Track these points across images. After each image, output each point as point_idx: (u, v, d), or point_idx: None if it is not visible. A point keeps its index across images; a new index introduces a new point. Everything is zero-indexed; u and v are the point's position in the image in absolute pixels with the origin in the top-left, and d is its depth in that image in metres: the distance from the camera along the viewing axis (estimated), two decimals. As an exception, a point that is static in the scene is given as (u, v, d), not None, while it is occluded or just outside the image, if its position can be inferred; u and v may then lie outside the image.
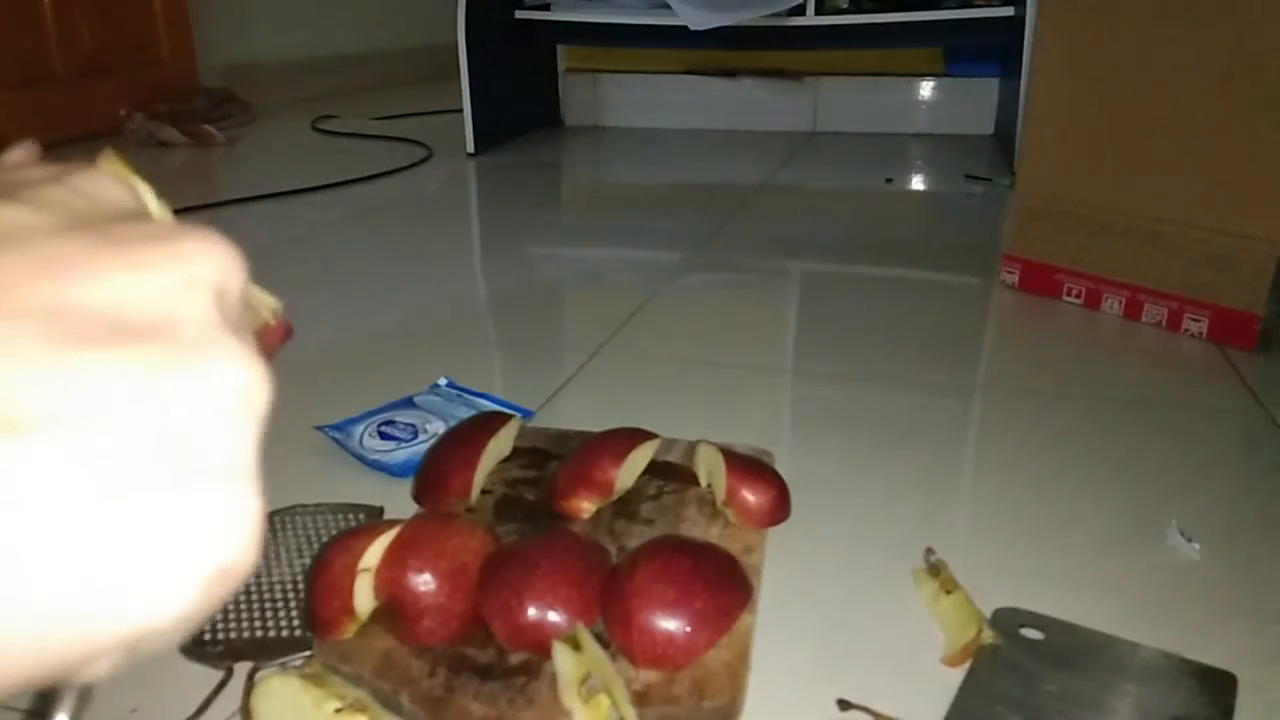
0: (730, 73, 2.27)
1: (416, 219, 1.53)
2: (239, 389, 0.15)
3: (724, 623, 0.48)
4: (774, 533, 0.60)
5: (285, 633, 0.52)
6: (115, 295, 0.15)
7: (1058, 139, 1.05)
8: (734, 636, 0.48)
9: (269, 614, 0.53)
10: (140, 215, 0.17)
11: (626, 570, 0.49)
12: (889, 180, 1.77)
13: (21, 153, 0.20)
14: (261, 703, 0.44)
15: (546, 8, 2.03)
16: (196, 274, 0.16)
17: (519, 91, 2.20)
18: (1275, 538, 0.63)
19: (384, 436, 0.72)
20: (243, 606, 0.54)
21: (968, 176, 1.75)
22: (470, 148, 1.94)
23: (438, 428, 0.73)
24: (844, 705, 0.48)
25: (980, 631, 0.50)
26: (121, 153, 0.21)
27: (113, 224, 0.16)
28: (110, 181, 0.18)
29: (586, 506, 0.60)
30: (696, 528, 0.59)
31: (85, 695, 0.17)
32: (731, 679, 0.46)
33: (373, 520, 0.63)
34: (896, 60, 2.21)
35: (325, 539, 0.60)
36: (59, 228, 0.15)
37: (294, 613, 0.53)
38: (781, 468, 0.65)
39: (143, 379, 0.14)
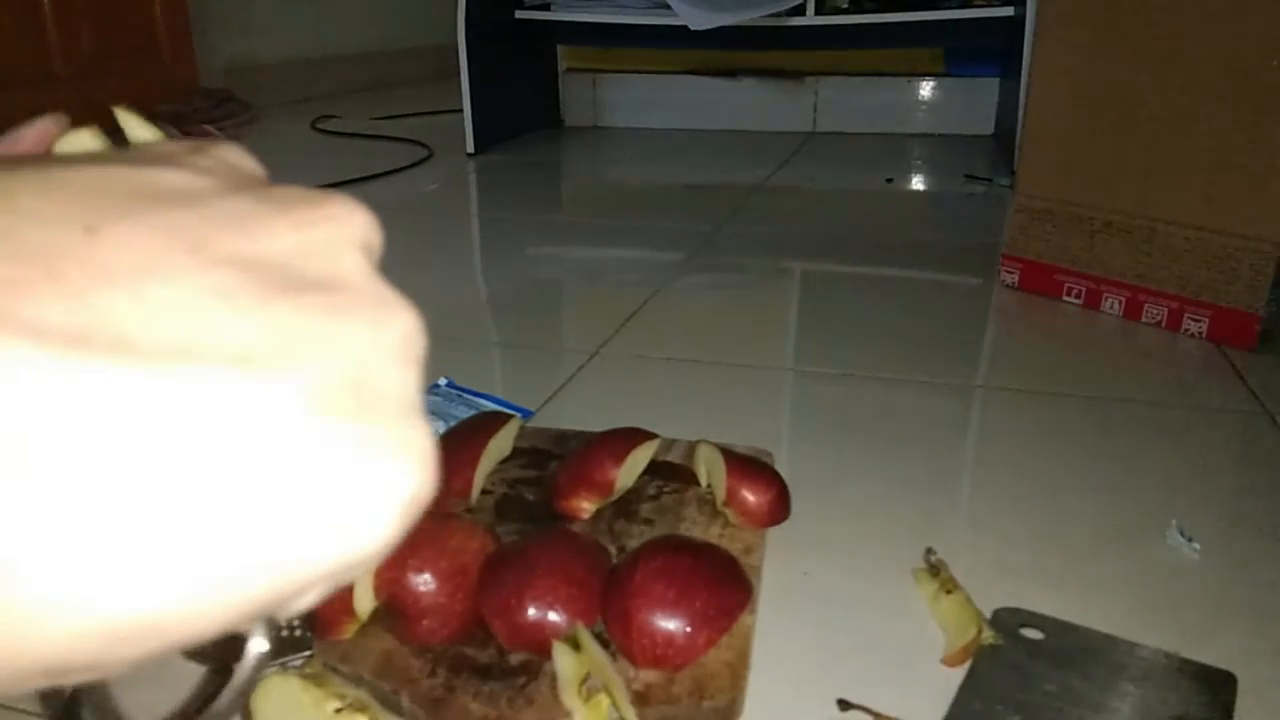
0: (730, 73, 2.27)
1: (416, 219, 1.53)
2: (406, 334, 0.17)
3: (724, 623, 0.48)
4: (774, 533, 0.60)
5: (285, 633, 0.52)
6: (290, 250, 0.16)
7: (1058, 139, 1.05)
8: (734, 636, 0.48)
9: (269, 614, 0.53)
10: (270, 181, 0.18)
11: (626, 570, 0.49)
12: (889, 180, 1.77)
13: (49, 123, 0.21)
14: (261, 703, 0.44)
15: (546, 8, 2.03)
16: (348, 232, 0.17)
17: (519, 91, 2.20)
18: (1275, 538, 0.63)
19: (384, 436, 0.72)
20: (243, 606, 0.53)
21: (968, 176, 1.75)
22: (470, 148, 1.94)
23: (438, 428, 0.73)
24: (844, 705, 0.48)
25: (980, 631, 0.50)
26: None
27: (263, 187, 0.17)
28: (240, 152, 0.19)
29: (586, 506, 0.60)
30: (696, 528, 0.59)
31: (274, 626, 0.17)
32: (731, 679, 0.46)
33: (373, 520, 0.63)
34: (896, 60, 2.21)
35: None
36: (225, 191, 0.16)
37: (294, 613, 0.53)
38: (781, 468, 0.65)
39: (330, 324, 0.15)
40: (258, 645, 0.17)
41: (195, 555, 0.13)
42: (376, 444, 0.15)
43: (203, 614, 0.14)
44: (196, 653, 0.50)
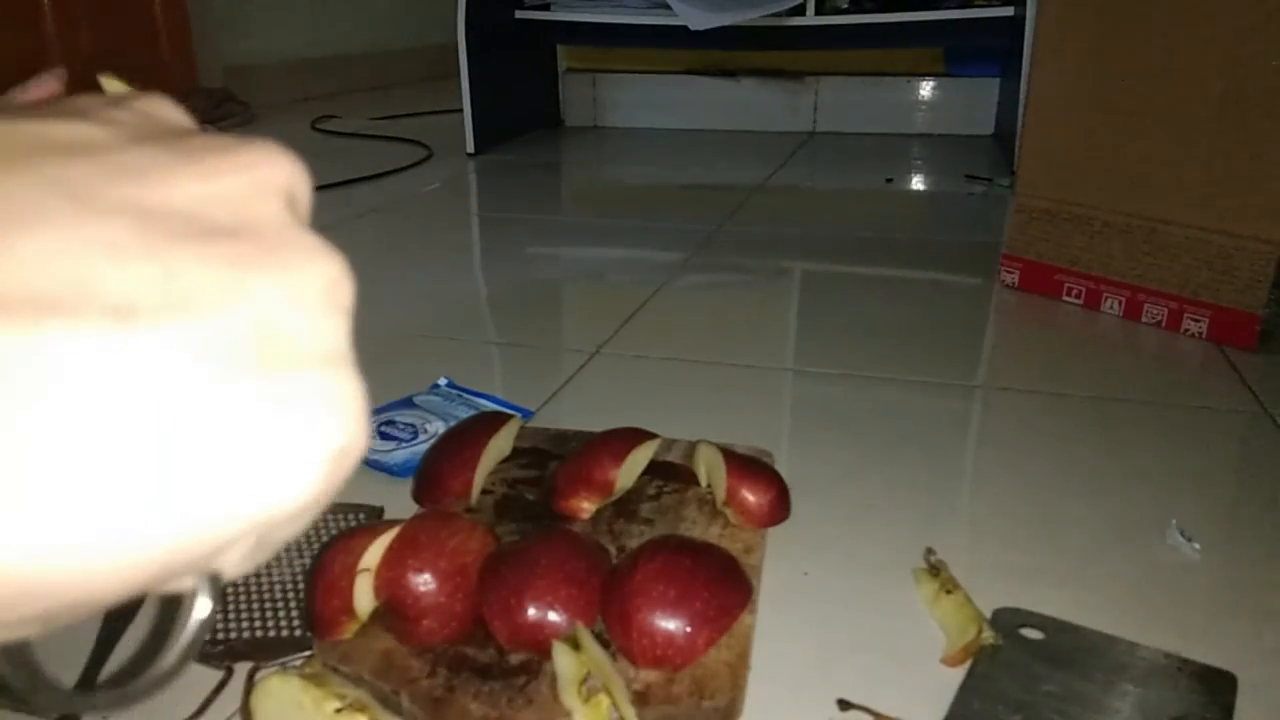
0: (730, 73, 2.27)
1: (416, 219, 1.53)
2: (326, 281, 0.16)
3: (724, 622, 0.48)
4: (774, 533, 0.60)
5: (285, 633, 0.52)
6: (194, 199, 0.15)
7: (1058, 139, 1.05)
8: (734, 636, 0.48)
9: (269, 614, 0.53)
10: (196, 132, 0.18)
11: (626, 570, 0.49)
12: (889, 180, 1.77)
13: (51, 81, 0.21)
14: (261, 703, 0.44)
15: (546, 8, 2.03)
16: (266, 180, 0.16)
17: (519, 91, 2.20)
18: (1275, 538, 0.63)
19: (384, 436, 0.72)
20: (243, 606, 0.54)
21: (968, 176, 1.75)
22: (470, 148, 1.94)
23: (438, 428, 0.73)
24: (844, 705, 0.48)
25: (980, 631, 0.50)
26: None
27: (178, 138, 0.17)
28: (166, 103, 0.18)
29: (586, 506, 0.60)
30: (696, 528, 0.59)
31: (216, 582, 0.17)
32: (731, 679, 0.46)
33: (373, 520, 0.63)
34: (896, 60, 2.21)
35: (325, 539, 0.60)
36: (129, 141, 0.16)
37: (294, 613, 0.53)
38: (781, 468, 0.65)
39: (234, 274, 0.15)
40: (201, 605, 0.17)
41: (77, 510, 0.13)
42: (291, 395, 0.15)
43: (104, 569, 0.13)
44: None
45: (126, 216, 0.14)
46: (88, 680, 0.49)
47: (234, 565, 0.16)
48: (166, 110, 0.18)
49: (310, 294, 0.15)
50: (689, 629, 0.46)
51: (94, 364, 0.13)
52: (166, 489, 0.13)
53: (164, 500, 0.13)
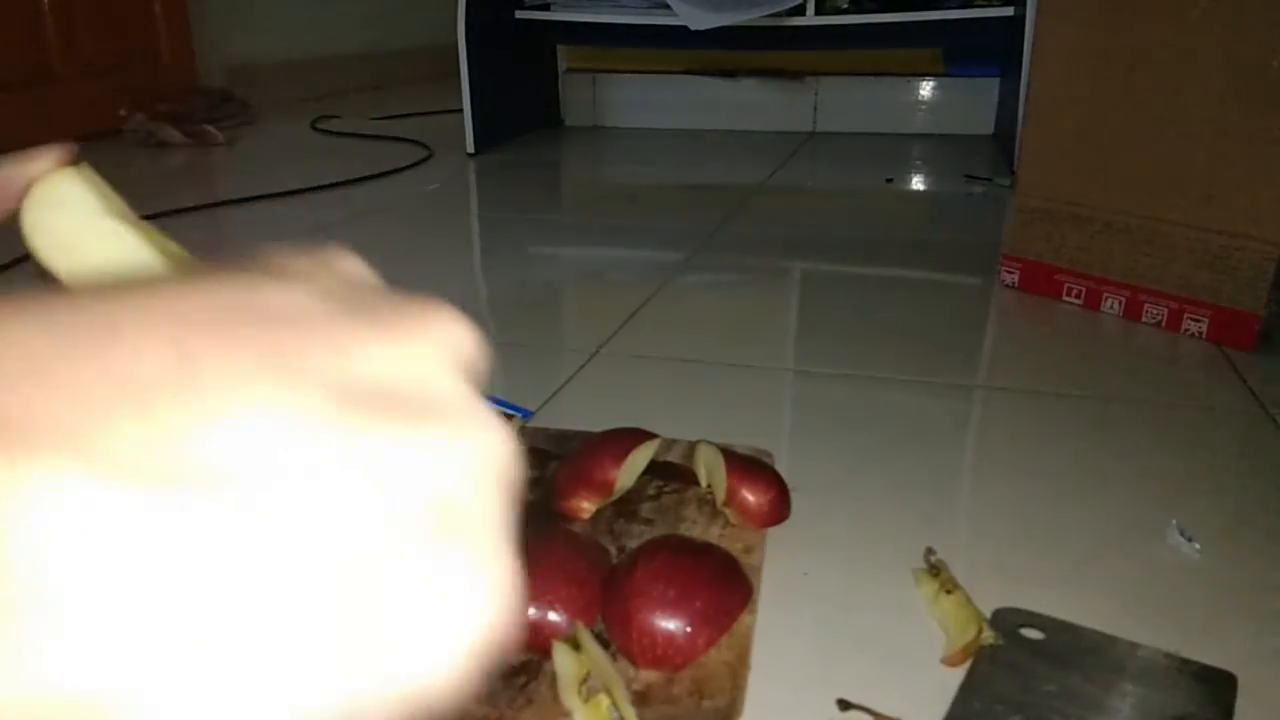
0: (730, 73, 2.27)
1: (416, 219, 1.53)
2: (498, 461, 0.16)
3: (724, 622, 0.48)
4: (774, 533, 0.60)
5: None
6: (384, 371, 0.16)
7: (1058, 139, 1.05)
8: (734, 636, 0.48)
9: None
10: (382, 290, 0.19)
11: (626, 570, 0.49)
12: (889, 180, 1.77)
13: (57, 153, 0.21)
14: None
15: (546, 8, 2.03)
16: (448, 351, 0.17)
17: (519, 91, 2.20)
18: (1275, 537, 0.63)
19: (384, 436, 0.72)
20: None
21: (968, 176, 1.75)
22: (470, 148, 1.94)
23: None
24: (844, 705, 0.48)
25: (980, 631, 0.50)
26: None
27: (371, 303, 0.17)
28: (354, 260, 0.19)
29: (586, 506, 0.60)
30: (696, 528, 0.59)
31: None
32: (731, 679, 0.46)
33: (373, 520, 0.63)
34: (896, 60, 2.20)
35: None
36: (335, 312, 0.16)
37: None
38: (781, 468, 0.65)
39: (415, 446, 0.15)
40: None
41: (218, 674, 0.12)
42: (450, 573, 0.15)
43: None
44: None
45: (325, 385, 0.15)
46: None
47: None
48: (357, 269, 0.19)
49: (483, 473, 0.16)
50: (689, 629, 0.46)
51: (277, 522, 0.13)
52: (326, 655, 0.13)
53: (319, 671, 0.13)
